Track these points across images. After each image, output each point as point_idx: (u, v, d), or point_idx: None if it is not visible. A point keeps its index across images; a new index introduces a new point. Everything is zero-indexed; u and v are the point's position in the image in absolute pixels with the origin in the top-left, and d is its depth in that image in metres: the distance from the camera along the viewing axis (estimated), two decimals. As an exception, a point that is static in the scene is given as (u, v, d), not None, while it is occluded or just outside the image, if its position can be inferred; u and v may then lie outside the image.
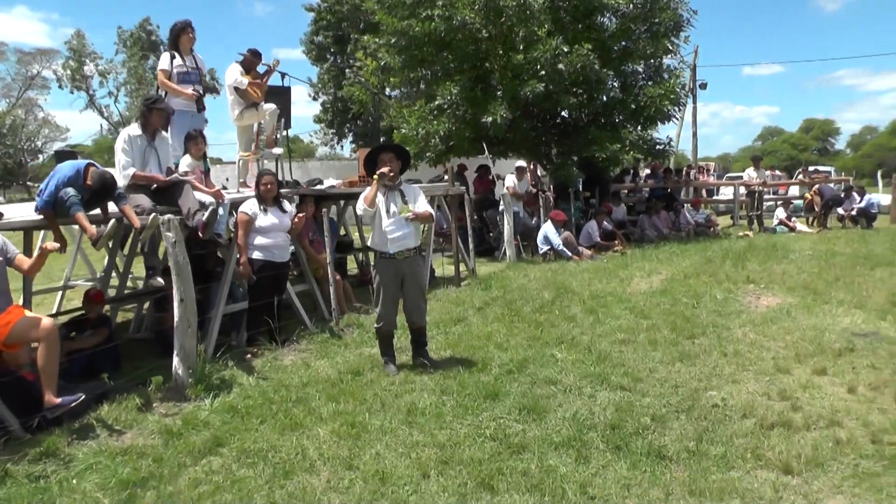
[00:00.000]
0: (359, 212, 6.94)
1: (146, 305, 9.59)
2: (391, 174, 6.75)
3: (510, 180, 15.55)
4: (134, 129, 7.30)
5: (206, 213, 6.92)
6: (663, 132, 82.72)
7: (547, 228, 14.49)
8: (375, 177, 6.72)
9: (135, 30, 58.13)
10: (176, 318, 6.38)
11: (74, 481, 4.62)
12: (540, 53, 14.77)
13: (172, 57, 8.82)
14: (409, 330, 7.18)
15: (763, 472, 4.47)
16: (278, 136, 10.47)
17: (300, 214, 8.34)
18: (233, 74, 9.71)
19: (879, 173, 34.94)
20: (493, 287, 10.95)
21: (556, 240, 14.22)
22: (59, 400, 5.29)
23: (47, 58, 58.91)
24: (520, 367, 6.78)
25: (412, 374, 6.73)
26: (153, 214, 6.34)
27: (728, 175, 34.68)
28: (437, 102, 16.06)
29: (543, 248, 14.42)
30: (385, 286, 6.88)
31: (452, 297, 10.40)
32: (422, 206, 6.96)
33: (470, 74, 16.22)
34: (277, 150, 10.31)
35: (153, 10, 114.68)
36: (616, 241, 15.54)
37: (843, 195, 20.19)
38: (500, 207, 14.85)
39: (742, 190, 20.88)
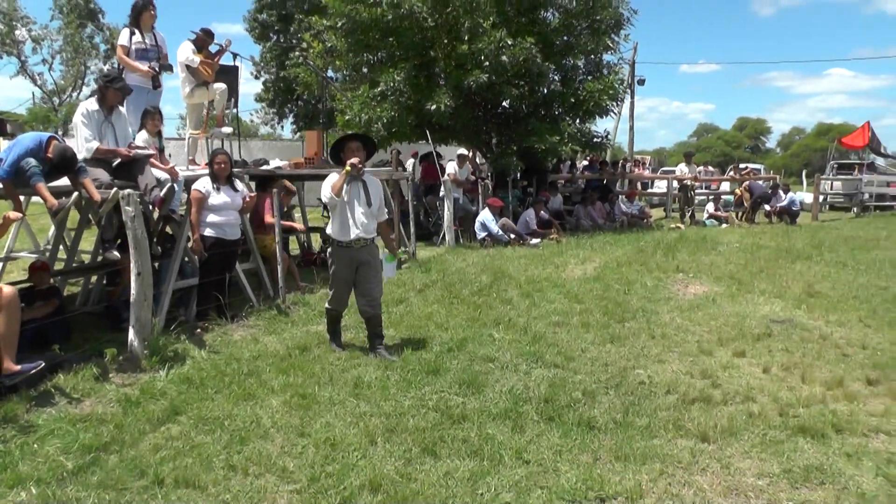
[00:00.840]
0: (324, 199, 6.89)
1: (93, 279, 9.67)
2: (360, 167, 6.83)
3: (451, 167, 15.88)
4: (91, 103, 7.43)
5: (164, 190, 7.12)
6: (601, 125, 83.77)
7: (484, 215, 14.84)
8: (347, 168, 6.70)
9: (72, -5, 56.66)
10: (133, 292, 6.57)
11: (36, 445, 4.82)
12: (484, 45, 15.09)
13: (132, 33, 8.93)
14: (364, 319, 7.13)
15: (683, 441, 4.93)
16: (227, 115, 10.65)
17: (251, 194, 8.55)
18: (185, 52, 9.87)
19: (804, 173, 36.33)
20: (433, 270, 11.26)
21: (494, 227, 14.59)
22: (18, 367, 5.45)
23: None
24: (459, 345, 7.14)
25: (357, 351, 7.06)
26: (114, 189, 6.51)
27: (663, 169, 35.59)
28: (380, 88, 16.20)
29: (481, 234, 14.78)
30: (340, 273, 6.94)
31: (393, 279, 10.66)
32: (381, 214, 7.13)
33: (414, 62, 16.42)
34: (227, 129, 10.50)
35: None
36: (552, 230, 15.98)
37: (770, 192, 21.03)
38: (441, 193, 15.18)
39: (675, 184, 21.58)
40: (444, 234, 14.92)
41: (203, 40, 10.06)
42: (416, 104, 15.97)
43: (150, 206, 7.27)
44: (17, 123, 36.02)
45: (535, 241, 14.70)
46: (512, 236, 14.64)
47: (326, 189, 6.80)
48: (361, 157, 6.85)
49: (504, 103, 17.54)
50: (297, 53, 29.24)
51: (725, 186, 24.01)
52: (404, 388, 5.89)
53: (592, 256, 12.77)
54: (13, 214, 5.49)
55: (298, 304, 8.99)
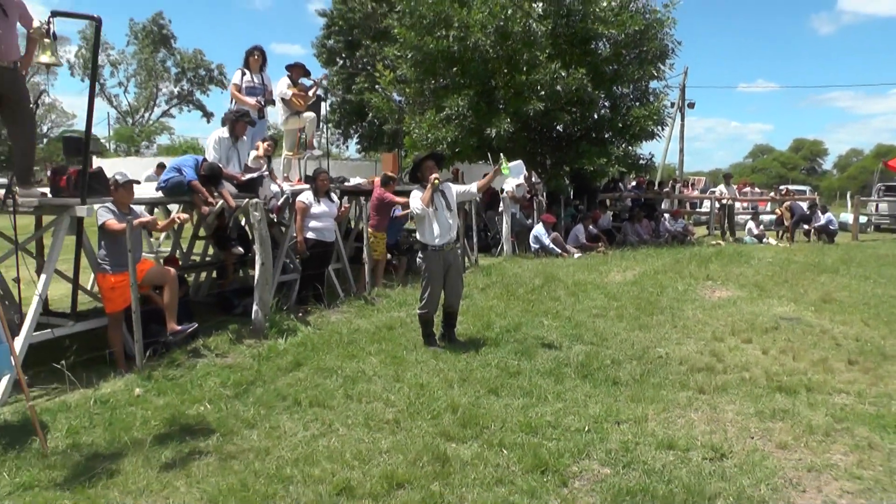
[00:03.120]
0: (417, 211, 7.84)
1: (203, 275, 11.53)
2: (441, 179, 7.88)
3: (509, 185, 17.47)
4: (223, 132, 9.28)
5: (281, 200, 8.92)
6: (651, 148, 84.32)
7: (538, 229, 16.53)
8: (434, 182, 7.71)
9: (147, 23, 60.15)
10: (257, 277, 8.35)
11: (199, 382, 6.61)
12: (541, 76, 16.74)
13: (243, 73, 10.80)
14: (445, 313, 8.26)
15: (684, 392, 6.47)
16: (316, 139, 12.47)
17: (346, 206, 10.30)
18: (281, 87, 11.67)
19: (849, 194, 37.02)
20: (493, 274, 12.93)
21: (546, 240, 16.23)
22: (179, 327, 7.27)
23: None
24: (515, 328, 8.78)
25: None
26: (246, 199, 8.30)
27: (711, 190, 36.66)
28: (445, 112, 17.80)
29: (535, 246, 16.44)
30: (433, 275, 7.87)
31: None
32: (469, 189, 8.40)
33: (477, 89, 17.97)
34: (317, 152, 12.30)
35: (157, 3, 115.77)
36: (599, 244, 17.54)
37: (809, 212, 22.10)
38: (500, 209, 16.83)
39: (717, 204, 22.84)
40: (501, 245, 16.59)
41: (298, 74, 11.87)
42: (477, 127, 17.55)
43: (270, 214, 9.06)
44: (95, 142, 38.40)
45: (577, 254, 16.26)
46: (558, 249, 16.23)
47: (417, 203, 7.84)
48: (438, 172, 7.99)
49: (558, 128, 18.91)
50: (362, 78, 31.10)
51: (768, 206, 25.10)
52: (472, 355, 7.57)
53: (633, 266, 14.29)
54: (182, 216, 7.27)
55: (382, 296, 10.75)
